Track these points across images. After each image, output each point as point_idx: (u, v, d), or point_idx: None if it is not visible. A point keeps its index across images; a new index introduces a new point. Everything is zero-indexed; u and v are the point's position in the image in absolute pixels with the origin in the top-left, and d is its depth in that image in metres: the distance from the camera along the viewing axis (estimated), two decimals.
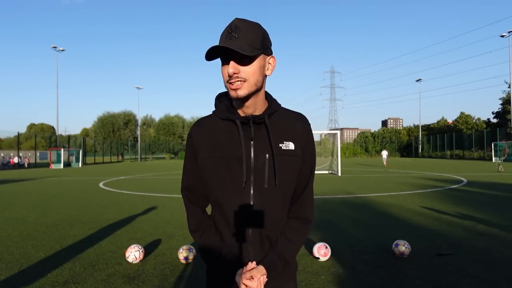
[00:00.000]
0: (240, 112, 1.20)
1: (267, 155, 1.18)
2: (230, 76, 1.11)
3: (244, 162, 1.15)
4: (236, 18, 1.14)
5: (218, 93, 1.30)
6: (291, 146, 1.21)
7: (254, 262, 1.19)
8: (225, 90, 1.21)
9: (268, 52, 1.18)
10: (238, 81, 1.11)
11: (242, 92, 1.12)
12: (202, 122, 1.26)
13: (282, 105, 1.29)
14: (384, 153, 30.31)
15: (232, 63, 1.10)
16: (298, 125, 1.25)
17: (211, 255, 1.25)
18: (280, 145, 1.19)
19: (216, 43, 1.14)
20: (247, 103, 1.17)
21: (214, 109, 1.28)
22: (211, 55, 1.12)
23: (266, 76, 1.20)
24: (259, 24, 1.16)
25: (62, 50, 42.92)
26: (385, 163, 29.20)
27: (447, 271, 3.90)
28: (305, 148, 1.25)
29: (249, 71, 1.12)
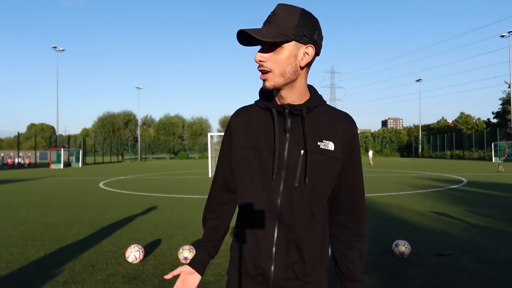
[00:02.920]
0: (278, 102, 1.15)
1: (301, 151, 1.09)
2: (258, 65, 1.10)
3: (275, 153, 1.08)
4: (279, 3, 1.09)
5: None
6: (330, 146, 1.11)
7: None
8: None
9: (304, 41, 1.06)
10: (262, 70, 1.08)
11: (268, 84, 1.09)
12: (241, 110, 1.22)
13: None
14: (370, 153, 32.16)
15: (259, 50, 1.09)
16: (341, 125, 1.14)
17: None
18: (319, 143, 1.10)
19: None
20: (282, 94, 1.12)
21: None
22: (244, 41, 1.09)
23: (301, 67, 1.09)
24: (300, 10, 1.07)
25: (62, 50, 42.99)
26: (371, 162, 30.23)
27: (447, 271, 3.91)
28: (349, 152, 1.14)
29: (276, 60, 1.06)
